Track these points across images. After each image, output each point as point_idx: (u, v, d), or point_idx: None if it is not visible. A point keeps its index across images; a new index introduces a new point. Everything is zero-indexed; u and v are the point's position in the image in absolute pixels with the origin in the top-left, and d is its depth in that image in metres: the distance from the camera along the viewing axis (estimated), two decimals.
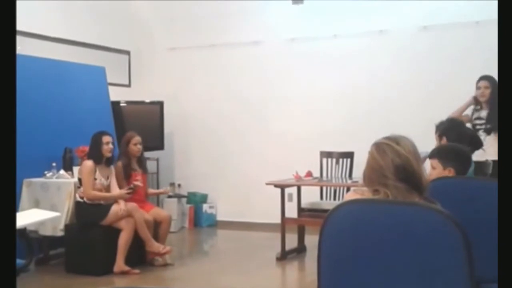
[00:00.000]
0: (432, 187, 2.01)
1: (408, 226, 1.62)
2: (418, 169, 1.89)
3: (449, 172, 2.97)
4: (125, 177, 5.57)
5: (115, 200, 5.27)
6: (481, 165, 4.01)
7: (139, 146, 5.64)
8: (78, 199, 5.24)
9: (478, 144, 3.93)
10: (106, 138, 5.31)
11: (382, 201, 1.81)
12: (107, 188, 5.34)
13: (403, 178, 1.87)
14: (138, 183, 5.45)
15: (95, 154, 5.26)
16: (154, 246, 5.31)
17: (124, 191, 5.33)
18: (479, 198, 2.58)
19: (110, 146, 5.32)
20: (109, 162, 5.37)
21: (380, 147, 1.94)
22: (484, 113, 5.16)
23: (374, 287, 1.65)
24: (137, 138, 5.63)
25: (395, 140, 1.94)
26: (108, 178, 5.35)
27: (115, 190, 5.37)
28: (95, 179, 5.21)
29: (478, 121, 5.18)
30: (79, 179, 5.25)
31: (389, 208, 1.70)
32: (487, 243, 2.45)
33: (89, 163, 5.22)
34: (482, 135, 4.89)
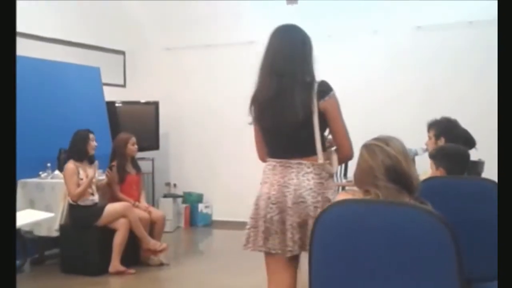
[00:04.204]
0: (423, 187, 2.01)
1: (398, 227, 1.63)
2: (408, 169, 1.90)
3: (440, 172, 3.00)
4: (120, 180, 5.56)
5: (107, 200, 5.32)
6: (474, 164, 4.02)
7: (136, 146, 5.70)
8: (71, 202, 5.21)
9: (472, 144, 3.94)
10: (92, 136, 5.33)
11: (372, 202, 1.82)
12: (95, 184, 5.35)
13: (394, 179, 1.88)
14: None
15: (79, 151, 5.24)
16: (151, 243, 5.33)
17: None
18: (470, 198, 2.59)
19: (95, 143, 5.34)
20: (91, 159, 5.34)
21: (370, 148, 1.95)
22: None
23: (365, 287, 1.66)
24: (134, 139, 5.68)
25: (384, 141, 1.94)
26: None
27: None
28: (81, 178, 5.16)
29: None
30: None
31: (379, 208, 1.71)
32: (479, 242, 2.47)
33: (70, 165, 5.17)
34: None
